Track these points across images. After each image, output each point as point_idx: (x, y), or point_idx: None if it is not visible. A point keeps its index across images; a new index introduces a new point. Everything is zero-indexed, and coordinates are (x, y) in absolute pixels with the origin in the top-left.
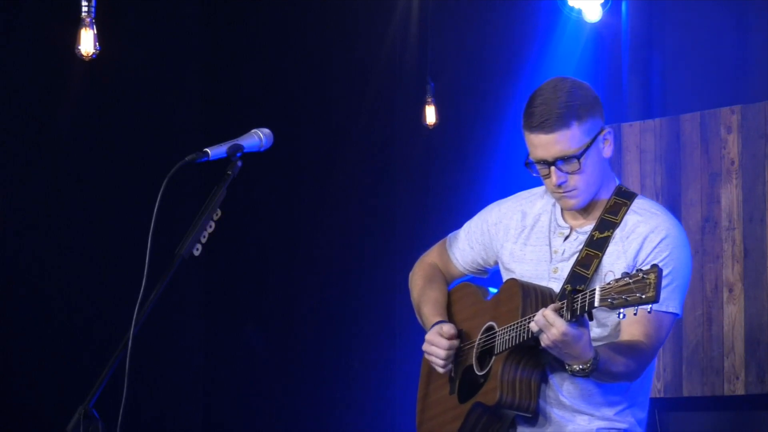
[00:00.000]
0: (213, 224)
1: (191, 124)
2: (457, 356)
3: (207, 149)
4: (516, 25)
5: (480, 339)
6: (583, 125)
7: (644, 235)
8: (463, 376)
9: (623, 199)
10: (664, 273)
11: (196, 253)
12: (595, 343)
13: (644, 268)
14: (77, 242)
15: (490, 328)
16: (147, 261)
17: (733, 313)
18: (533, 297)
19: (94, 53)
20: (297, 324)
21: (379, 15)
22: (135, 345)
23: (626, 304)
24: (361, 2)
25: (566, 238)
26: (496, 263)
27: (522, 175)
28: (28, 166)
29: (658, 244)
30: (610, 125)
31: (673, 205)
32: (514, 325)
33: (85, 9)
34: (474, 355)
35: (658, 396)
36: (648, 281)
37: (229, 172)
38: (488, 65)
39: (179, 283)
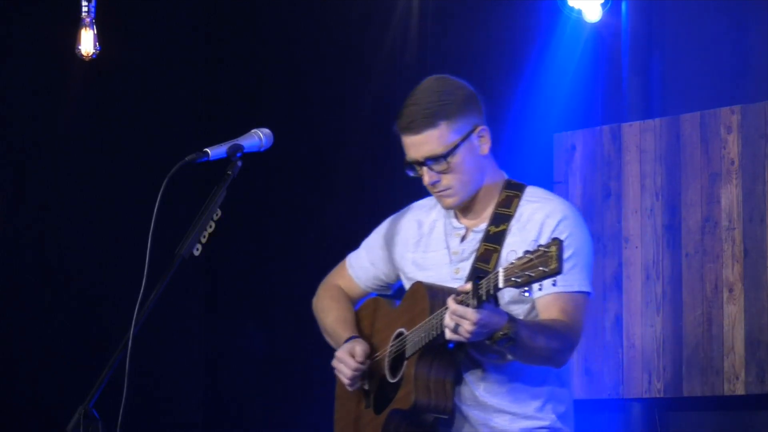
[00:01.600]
0: (213, 224)
1: (191, 124)
2: (370, 369)
3: (207, 149)
4: (516, 25)
5: (391, 347)
6: (452, 124)
7: (541, 221)
8: (378, 388)
9: (514, 191)
10: (567, 254)
11: (196, 253)
12: None
13: (544, 243)
14: (77, 242)
15: (400, 334)
16: (147, 261)
17: (733, 313)
18: (440, 295)
19: (94, 53)
20: (297, 324)
21: (379, 15)
22: (135, 345)
23: (531, 280)
24: (361, 2)
25: (463, 238)
26: (398, 278)
27: (521, 174)
28: (28, 166)
29: (556, 227)
30: (609, 125)
31: (673, 205)
32: (422, 325)
33: (85, 9)
34: (386, 364)
35: (658, 396)
36: (550, 254)
37: (229, 172)
38: (488, 65)
39: (179, 283)
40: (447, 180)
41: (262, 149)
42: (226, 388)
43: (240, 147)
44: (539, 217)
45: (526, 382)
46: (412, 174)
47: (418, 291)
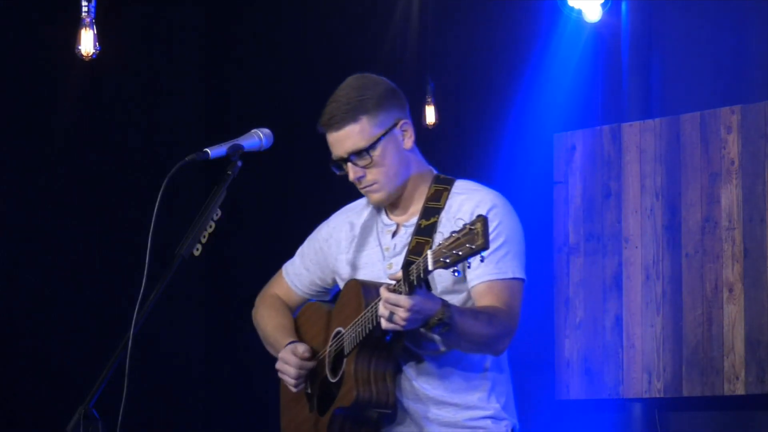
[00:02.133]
0: (213, 224)
1: (191, 124)
2: (311, 372)
3: (207, 149)
4: (516, 25)
5: (330, 347)
6: (373, 119)
7: (470, 211)
8: (321, 390)
9: (443, 185)
10: (498, 243)
11: (196, 253)
12: None
13: (471, 222)
14: (77, 242)
15: (338, 333)
16: (147, 261)
17: (733, 313)
18: (374, 290)
19: (94, 53)
20: None
21: (379, 15)
22: (135, 345)
23: (459, 259)
24: (361, 2)
25: (394, 234)
26: (335, 282)
27: (521, 174)
28: (28, 166)
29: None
30: (609, 125)
31: (673, 205)
32: (358, 320)
33: (85, 9)
34: (327, 365)
35: (658, 396)
36: (476, 231)
37: (229, 172)
38: (488, 65)
39: (179, 283)
40: (372, 175)
41: (262, 149)
42: (226, 387)
43: (240, 147)
44: (468, 207)
45: (465, 373)
46: (338, 172)
47: (352, 288)
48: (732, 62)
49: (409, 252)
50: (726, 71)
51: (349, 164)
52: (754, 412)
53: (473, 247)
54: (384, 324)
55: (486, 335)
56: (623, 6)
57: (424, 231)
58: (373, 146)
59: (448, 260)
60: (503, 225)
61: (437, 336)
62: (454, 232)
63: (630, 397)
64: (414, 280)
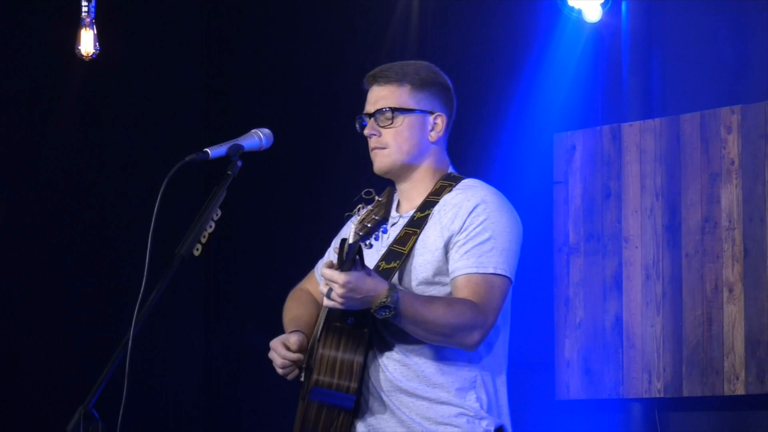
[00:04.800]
0: (213, 224)
1: (191, 124)
2: (309, 361)
3: (207, 149)
4: (516, 25)
5: (316, 331)
6: (416, 92)
7: (458, 204)
8: (310, 378)
9: (448, 181)
10: (483, 237)
11: (196, 253)
12: None
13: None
14: (77, 242)
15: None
16: (147, 261)
17: (733, 313)
18: None
19: (94, 53)
20: None
21: (379, 15)
22: (135, 345)
23: (369, 231)
24: (361, 2)
25: (394, 224)
26: None
27: (520, 174)
28: (28, 166)
29: (472, 210)
30: (609, 125)
31: (673, 205)
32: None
33: (85, 9)
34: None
35: (658, 396)
36: (381, 202)
37: (229, 172)
38: (488, 65)
39: (179, 283)
40: (387, 137)
41: (262, 149)
42: (226, 387)
43: (240, 147)
44: (456, 201)
45: (441, 366)
46: (359, 129)
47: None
48: (732, 62)
49: (395, 241)
50: (726, 71)
51: (371, 120)
52: (754, 412)
53: (376, 218)
54: (325, 301)
55: (445, 325)
56: (623, 6)
57: (416, 223)
58: (401, 111)
59: (361, 233)
60: (490, 221)
61: (385, 321)
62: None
63: (630, 397)
64: (343, 255)
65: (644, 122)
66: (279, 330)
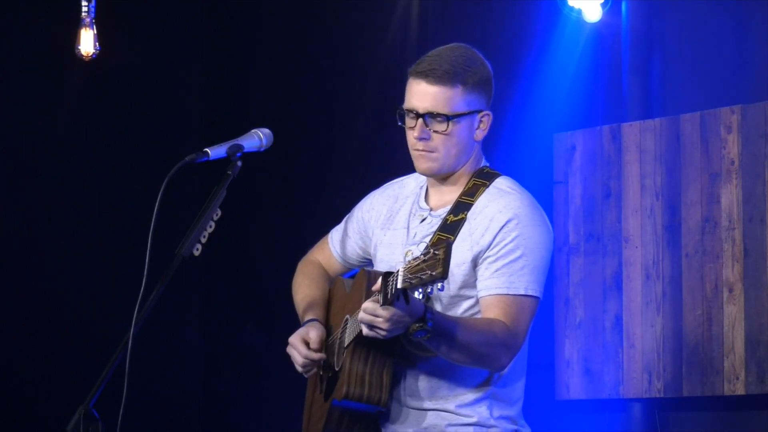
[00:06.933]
0: (213, 224)
1: (191, 124)
2: (327, 353)
3: (207, 149)
4: (516, 25)
5: (341, 333)
6: (467, 94)
7: (491, 216)
8: (329, 374)
9: (483, 180)
10: (515, 255)
11: (196, 253)
12: None
13: (436, 246)
14: (77, 242)
15: (347, 320)
16: (147, 261)
17: (733, 313)
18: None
19: (94, 53)
20: (296, 323)
21: (379, 15)
22: (135, 345)
23: (422, 283)
24: (361, 2)
25: (423, 220)
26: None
27: (520, 174)
28: (28, 166)
29: (504, 225)
30: (609, 125)
31: (673, 205)
32: (357, 314)
33: (85, 9)
34: (335, 350)
35: (658, 396)
36: (438, 257)
37: (229, 172)
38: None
39: (179, 283)
40: (437, 142)
41: (262, 149)
42: (226, 387)
43: (240, 147)
44: (490, 212)
45: (464, 376)
46: (400, 123)
47: (360, 278)
48: (732, 62)
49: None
50: (726, 71)
51: (420, 121)
52: (754, 412)
53: (433, 273)
54: (365, 331)
55: (476, 349)
56: (623, 6)
57: (449, 228)
58: (454, 118)
59: (412, 282)
60: (522, 237)
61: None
62: (420, 254)
63: (630, 397)
64: (388, 294)
65: (644, 122)
66: (279, 330)
